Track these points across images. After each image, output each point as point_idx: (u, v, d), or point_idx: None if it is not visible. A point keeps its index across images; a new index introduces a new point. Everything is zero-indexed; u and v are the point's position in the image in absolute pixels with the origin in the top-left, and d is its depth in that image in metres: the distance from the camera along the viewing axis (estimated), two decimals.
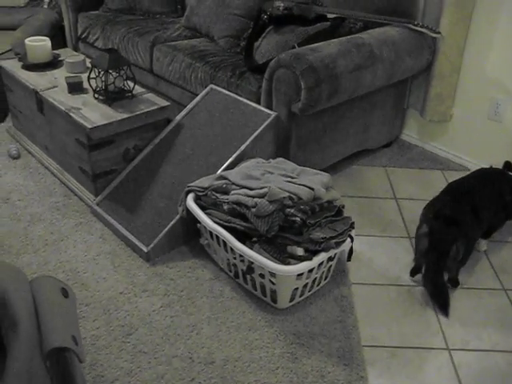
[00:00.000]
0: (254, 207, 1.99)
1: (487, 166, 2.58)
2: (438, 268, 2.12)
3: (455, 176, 2.90)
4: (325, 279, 2.19)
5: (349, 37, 2.70)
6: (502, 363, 1.91)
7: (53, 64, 3.02)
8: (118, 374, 1.79)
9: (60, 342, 0.97)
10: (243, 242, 2.03)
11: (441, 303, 2.13)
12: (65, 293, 1.12)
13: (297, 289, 2.04)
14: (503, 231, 2.57)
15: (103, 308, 2.05)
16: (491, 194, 2.30)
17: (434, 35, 2.87)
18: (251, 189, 2.07)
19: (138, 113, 2.53)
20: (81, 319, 2.00)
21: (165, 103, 2.64)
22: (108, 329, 1.96)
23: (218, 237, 2.11)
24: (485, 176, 2.41)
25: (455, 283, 2.22)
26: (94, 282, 2.17)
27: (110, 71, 2.54)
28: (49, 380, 0.95)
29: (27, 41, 2.95)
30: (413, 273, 2.27)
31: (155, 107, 2.60)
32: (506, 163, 2.64)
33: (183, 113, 2.72)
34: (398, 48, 2.75)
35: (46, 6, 4.41)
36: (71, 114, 2.49)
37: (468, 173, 2.52)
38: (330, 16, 2.98)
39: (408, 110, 3.32)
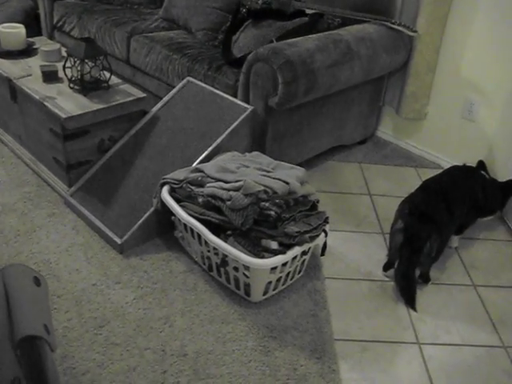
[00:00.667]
0: (228, 200, 1.99)
1: (460, 164, 2.62)
2: (411, 263, 2.15)
3: (429, 173, 2.93)
4: (298, 273, 2.20)
5: (327, 33, 2.71)
6: (470, 357, 1.95)
7: (27, 52, 2.97)
8: (89, 366, 1.78)
9: (31, 330, 0.96)
10: (217, 235, 2.03)
11: (408, 297, 2.16)
12: (37, 281, 1.11)
13: (270, 282, 2.05)
14: (474, 228, 2.61)
15: (75, 300, 2.04)
16: (464, 191, 2.34)
17: (411, 34, 2.90)
18: (226, 182, 2.07)
19: (113, 103, 2.51)
20: (53, 311, 1.98)
21: (141, 94, 2.62)
22: (80, 320, 1.95)
23: (192, 229, 2.11)
24: (458, 174, 2.45)
25: (426, 279, 2.25)
26: (66, 274, 2.15)
27: (86, 61, 2.51)
28: (18, 368, 0.94)
29: (0, 27, 2.89)
30: (385, 268, 2.29)
31: (131, 98, 2.58)
32: (480, 162, 2.69)
33: (159, 105, 2.70)
34: (375, 45, 2.77)
35: None
36: (45, 104, 2.45)
37: (442, 170, 2.55)
38: (308, 11, 2.98)
39: (384, 108, 3.35)
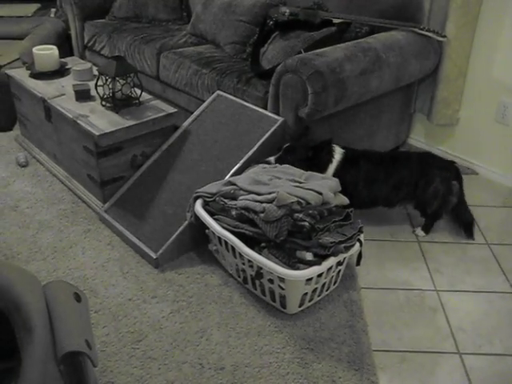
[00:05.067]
0: (262, 212, 1.99)
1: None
2: None
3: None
4: (334, 284, 2.18)
5: (355, 41, 2.70)
6: None
7: (60, 72, 3.04)
8: (128, 381, 1.79)
9: (74, 346, 0.97)
10: (252, 248, 2.03)
11: None
12: (77, 297, 1.12)
13: (306, 294, 2.03)
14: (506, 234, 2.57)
15: (112, 314, 2.05)
16: None
17: (440, 39, 2.87)
18: (259, 194, 2.07)
19: (145, 120, 2.54)
20: None
21: (172, 110, 2.65)
22: (118, 335, 1.96)
23: (226, 242, 2.11)
24: None
25: None
26: (103, 289, 2.18)
27: (117, 78, 2.55)
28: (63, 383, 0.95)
29: (35, 49, 2.97)
30: None
31: (162, 114, 2.61)
32: None
33: (190, 119, 2.73)
34: (404, 52, 2.75)
35: (52, 16, 4.45)
36: (79, 122, 2.50)
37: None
38: (335, 21, 2.98)
39: (415, 114, 3.32)
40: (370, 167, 2.45)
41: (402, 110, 3.11)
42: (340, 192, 2.26)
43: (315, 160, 2.43)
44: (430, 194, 2.44)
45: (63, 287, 1.12)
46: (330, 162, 2.44)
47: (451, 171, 2.48)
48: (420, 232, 2.59)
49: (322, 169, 2.41)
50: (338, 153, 2.46)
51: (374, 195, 2.48)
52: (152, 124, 2.57)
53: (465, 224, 2.57)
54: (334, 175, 2.42)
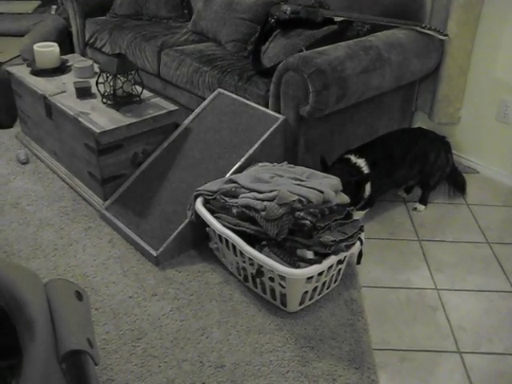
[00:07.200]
0: (263, 210, 1.99)
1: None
2: None
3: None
4: (334, 282, 2.18)
5: (356, 40, 2.70)
6: None
7: (61, 69, 3.03)
8: (128, 378, 1.79)
9: (76, 344, 0.97)
10: (252, 246, 2.03)
11: None
12: (79, 296, 1.12)
13: (306, 292, 2.03)
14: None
15: (113, 312, 2.05)
16: None
17: (442, 37, 2.86)
18: (260, 192, 2.07)
19: (146, 117, 2.54)
20: None
21: (173, 107, 2.65)
22: (118, 333, 1.96)
23: (227, 240, 2.11)
24: None
25: None
26: (103, 287, 2.18)
27: (118, 76, 2.54)
28: (65, 382, 0.95)
29: (36, 46, 2.97)
30: None
31: (163, 111, 2.60)
32: None
33: (191, 117, 2.73)
34: (405, 50, 2.74)
35: (53, 13, 4.44)
36: (80, 119, 2.50)
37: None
38: (337, 19, 2.97)
39: (416, 113, 3.31)
40: (388, 151, 2.58)
41: (402, 108, 3.11)
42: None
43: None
44: (437, 166, 2.66)
45: (65, 285, 1.12)
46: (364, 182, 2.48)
47: (447, 144, 2.74)
48: (420, 206, 2.76)
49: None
50: (364, 167, 2.48)
51: (394, 178, 2.62)
52: (153, 122, 2.57)
53: (460, 185, 2.84)
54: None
